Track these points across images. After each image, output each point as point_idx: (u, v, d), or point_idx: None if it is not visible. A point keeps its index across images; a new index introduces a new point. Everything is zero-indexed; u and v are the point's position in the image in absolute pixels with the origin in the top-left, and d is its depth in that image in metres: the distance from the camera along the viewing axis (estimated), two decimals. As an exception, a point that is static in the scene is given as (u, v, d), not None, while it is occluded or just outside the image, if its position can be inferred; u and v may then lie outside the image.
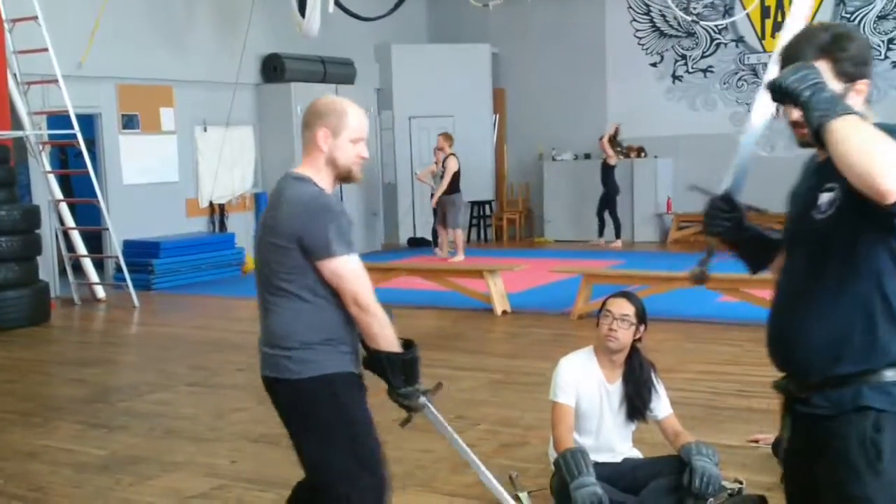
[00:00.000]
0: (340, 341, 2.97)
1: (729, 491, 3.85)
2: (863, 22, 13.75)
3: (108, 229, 11.00)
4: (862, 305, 2.12)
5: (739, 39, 14.69)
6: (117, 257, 11.00)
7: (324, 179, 2.97)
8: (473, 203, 15.99)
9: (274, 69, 13.87)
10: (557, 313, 8.78)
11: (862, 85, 2.20)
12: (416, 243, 15.24)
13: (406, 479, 4.48)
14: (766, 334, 2.36)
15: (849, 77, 2.17)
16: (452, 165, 13.01)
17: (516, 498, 4.07)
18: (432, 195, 14.03)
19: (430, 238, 14.56)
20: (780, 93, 2.05)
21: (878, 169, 1.87)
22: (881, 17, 13.67)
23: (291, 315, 2.93)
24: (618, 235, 14.48)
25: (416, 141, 15.76)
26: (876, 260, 2.11)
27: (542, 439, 4.44)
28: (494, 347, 7.74)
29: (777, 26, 14.34)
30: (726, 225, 2.63)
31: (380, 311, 2.94)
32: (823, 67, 2.12)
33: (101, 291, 10.93)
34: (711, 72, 14.93)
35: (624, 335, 3.92)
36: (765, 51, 14.51)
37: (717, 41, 14.85)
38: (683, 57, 15.16)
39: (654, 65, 15.36)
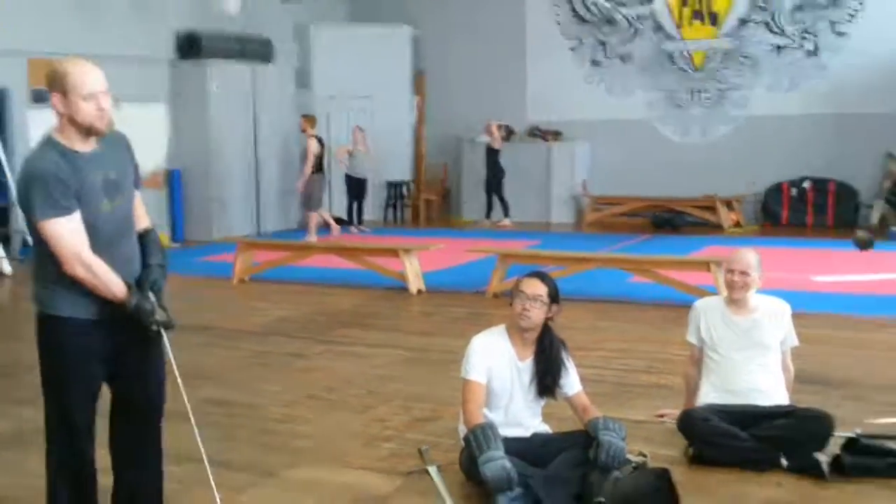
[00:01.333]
0: (70, 286, 3.06)
1: (633, 464, 3.92)
2: (778, 12, 14.09)
3: (15, 204, 10.64)
4: None
5: (657, 27, 14.90)
6: (24, 232, 10.66)
7: (70, 137, 3.09)
8: (390, 184, 15.95)
9: (191, 46, 13.54)
10: (472, 292, 8.82)
11: None
12: (334, 222, 15.12)
13: (317, 453, 4.47)
14: None
15: None
16: (313, 147, 12.91)
17: (425, 471, 4.08)
18: (349, 176, 13.98)
19: (346, 217, 14.48)
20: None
21: None
22: (797, 8, 14.01)
23: (40, 257, 3.12)
24: (506, 215, 14.75)
25: (335, 121, 15.61)
26: None
27: (454, 415, 4.46)
28: (409, 325, 7.74)
29: (695, 14, 14.60)
30: None
31: (94, 264, 3.02)
32: None
33: (6, 266, 10.62)
34: (630, 58, 15.12)
35: (536, 314, 3.95)
36: (682, 38, 14.76)
37: (636, 28, 15.04)
38: (602, 43, 15.32)
39: (573, 49, 15.49)
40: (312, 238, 12.52)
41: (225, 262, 10.30)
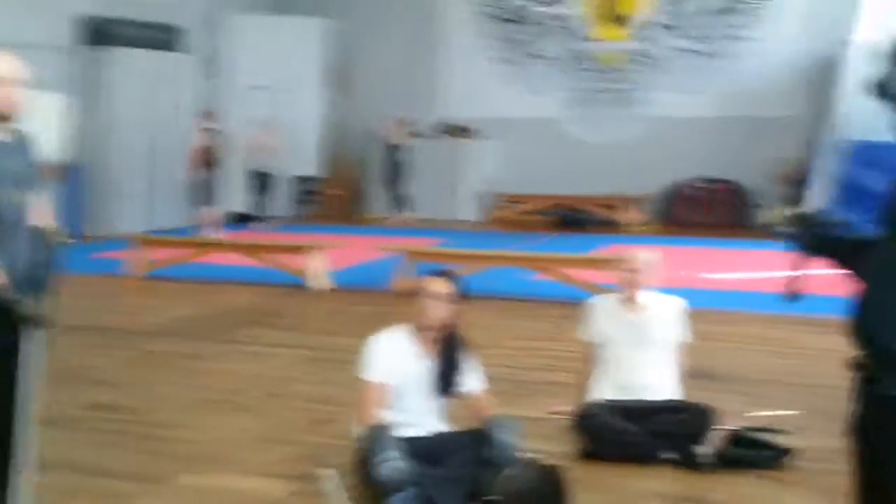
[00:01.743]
0: None
1: (527, 461, 3.97)
2: (683, 16, 14.42)
3: None
4: None
5: (568, 27, 15.08)
6: None
7: None
8: (300, 178, 15.80)
9: (93, 33, 13.14)
10: (379, 290, 8.81)
11: None
12: (239, 218, 14.91)
13: (212, 458, 4.38)
14: (854, 310, 2.36)
15: None
16: (200, 140, 12.78)
17: (323, 475, 4.05)
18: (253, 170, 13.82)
19: (252, 213, 14.29)
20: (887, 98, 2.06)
21: None
22: (699, 13, 14.36)
23: None
24: (407, 210, 14.81)
25: (245, 113, 15.32)
26: None
27: (354, 416, 4.44)
28: (313, 324, 7.68)
29: (604, 16, 14.85)
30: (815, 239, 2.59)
31: None
32: None
33: None
34: (541, 57, 15.28)
35: (440, 313, 3.96)
36: (591, 39, 14.98)
37: (547, 27, 15.20)
38: (514, 41, 15.44)
39: (485, 47, 15.57)
40: (210, 234, 12.32)
41: (121, 259, 10.05)
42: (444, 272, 4.11)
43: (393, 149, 14.84)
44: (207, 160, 12.83)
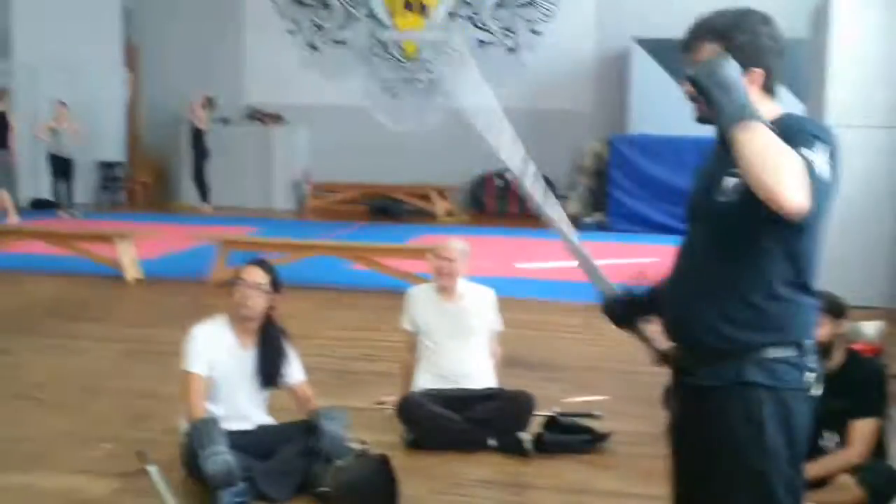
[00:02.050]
0: None
1: (355, 451, 4.07)
2: (482, 8, 14.82)
3: None
4: (751, 286, 2.18)
5: (372, 15, 15.18)
6: None
7: None
8: (102, 164, 15.13)
9: None
10: (194, 280, 8.63)
11: (755, 74, 2.21)
12: (42, 205, 14.14)
13: (27, 457, 4.24)
14: (663, 305, 2.40)
15: (741, 64, 2.13)
16: None
17: (144, 472, 4.00)
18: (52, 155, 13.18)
19: (52, 199, 13.58)
20: (696, 88, 2.09)
21: (783, 189, 1.92)
22: (499, 5, 14.81)
23: None
24: (205, 199, 14.50)
25: (37, 94, 14.52)
26: (769, 246, 2.17)
27: (175, 410, 4.39)
28: (126, 317, 7.45)
29: (407, 5, 15.03)
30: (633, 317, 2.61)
31: None
32: (714, 49, 2.18)
33: None
34: (346, 44, 15.30)
35: (257, 303, 3.98)
36: (395, 28, 15.14)
37: (352, 15, 15.25)
38: (319, 27, 15.38)
39: (291, 32, 15.43)
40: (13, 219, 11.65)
41: None
42: (259, 261, 4.13)
43: (197, 133, 14.42)
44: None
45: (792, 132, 2.07)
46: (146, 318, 7.33)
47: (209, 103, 14.48)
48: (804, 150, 2.03)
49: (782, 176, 1.93)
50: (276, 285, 4.04)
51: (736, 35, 2.21)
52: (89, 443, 4.44)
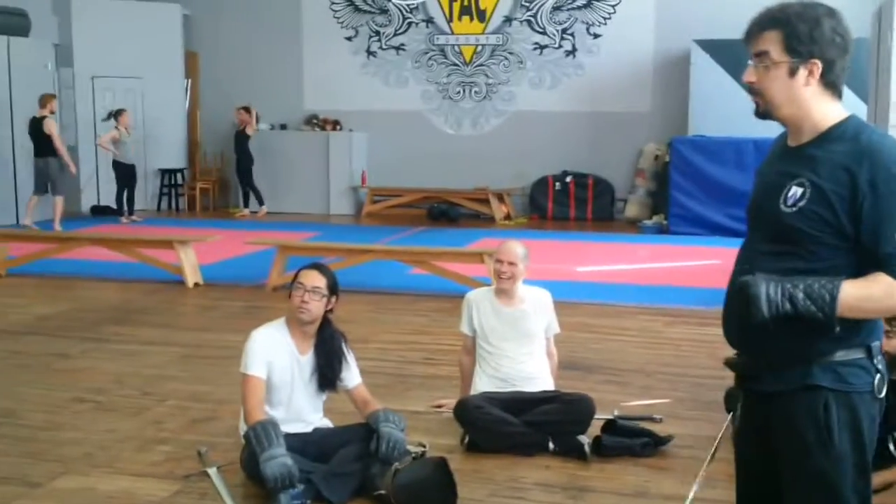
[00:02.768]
0: None
1: (413, 454, 4.02)
2: (539, 12, 14.75)
3: None
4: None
5: (429, 20, 15.21)
6: None
7: None
8: (164, 171, 15.38)
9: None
10: (251, 285, 8.69)
11: (813, 66, 2.21)
12: (101, 211, 14.41)
13: (87, 460, 4.27)
14: (723, 311, 2.38)
15: (797, 53, 2.19)
16: (54, 127, 12.41)
17: (204, 474, 4.01)
18: (118, 162, 13.42)
19: (114, 206, 13.82)
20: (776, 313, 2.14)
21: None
22: (556, 8, 14.72)
23: None
24: (247, 205, 14.65)
25: (100, 102, 14.84)
26: (832, 254, 2.17)
27: (233, 413, 4.40)
28: (185, 321, 7.52)
29: (464, 10, 15.03)
30: None
31: None
32: (775, 37, 2.21)
33: None
34: (404, 49, 15.36)
35: (315, 307, 3.96)
36: (452, 33, 15.14)
37: (409, 20, 15.29)
38: (377, 33, 15.46)
39: (349, 38, 15.54)
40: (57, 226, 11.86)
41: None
42: (317, 265, 4.11)
43: (245, 139, 14.56)
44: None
45: (884, 189, 2.12)
46: (206, 322, 7.38)
47: (248, 112, 14.58)
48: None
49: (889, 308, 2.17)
50: (333, 289, 4.02)
51: (797, 23, 2.19)
52: (149, 445, 4.46)
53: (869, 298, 2.11)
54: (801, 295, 2.10)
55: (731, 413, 2.45)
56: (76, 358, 6.13)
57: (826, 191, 2.15)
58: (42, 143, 12.34)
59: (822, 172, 2.17)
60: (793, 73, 2.21)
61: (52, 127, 12.34)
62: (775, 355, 2.24)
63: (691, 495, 2.79)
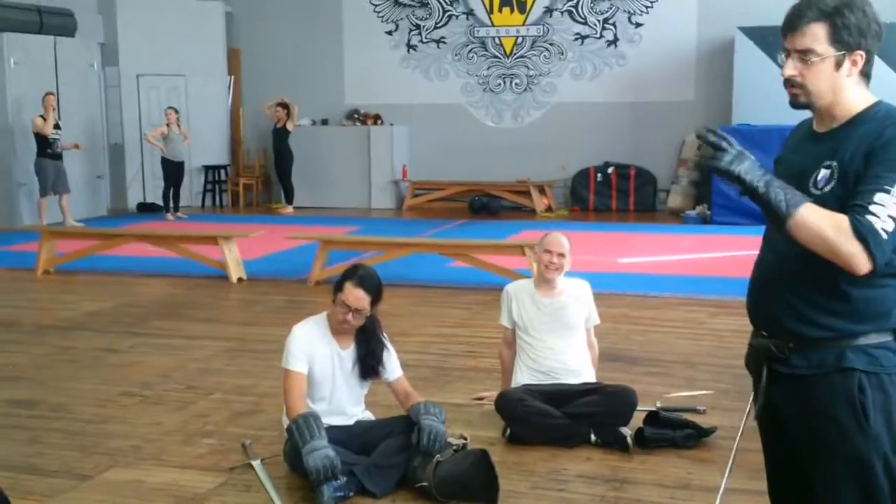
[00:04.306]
0: None
1: (454, 447, 4.03)
2: (580, 2, 14.66)
3: None
4: (845, 276, 2.13)
5: (469, 12, 15.19)
6: None
7: None
8: (207, 168, 15.55)
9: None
10: (294, 280, 8.77)
11: (857, 56, 2.19)
12: (147, 208, 14.61)
13: (135, 453, 4.34)
14: (749, 292, 2.39)
15: (845, 45, 2.18)
16: (34, 126, 12.43)
17: (248, 466, 4.06)
18: (165, 160, 13.57)
19: (161, 203, 14.01)
20: (736, 182, 2.13)
21: (848, 264, 2.07)
22: (597, -1, 14.64)
23: None
24: (289, 201, 14.70)
25: (145, 100, 15.05)
26: None
27: (277, 406, 4.44)
28: (229, 315, 7.61)
29: (504, 2, 14.98)
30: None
31: None
32: (820, 30, 2.17)
33: None
34: (444, 43, 15.35)
35: (358, 322, 3.97)
36: (493, 25, 15.11)
37: (449, 13, 15.28)
38: (417, 27, 15.47)
39: (389, 33, 15.57)
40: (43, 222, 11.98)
41: (28, 252, 9.76)
42: (361, 279, 3.95)
43: (284, 134, 14.64)
44: (45, 147, 12.45)
45: (889, 147, 2.10)
46: (249, 316, 7.46)
47: (284, 107, 14.65)
48: (878, 200, 2.06)
49: (841, 254, 2.07)
50: (376, 301, 3.99)
51: (846, 14, 2.17)
52: (194, 438, 4.53)
53: (819, 226, 2.07)
54: (776, 184, 2.11)
55: (754, 393, 2.44)
56: (124, 353, 6.24)
57: (848, 172, 2.15)
58: (38, 144, 12.42)
59: (847, 155, 2.17)
60: (838, 65, 2.19)
61: (36, 126, 12.36)
62: (806, 337, 2.24)
63: (723, 486, 2.78)
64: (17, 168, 12.80)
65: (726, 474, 2.84)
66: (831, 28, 2.16)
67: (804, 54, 2.20)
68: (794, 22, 2.21)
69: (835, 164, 2.18)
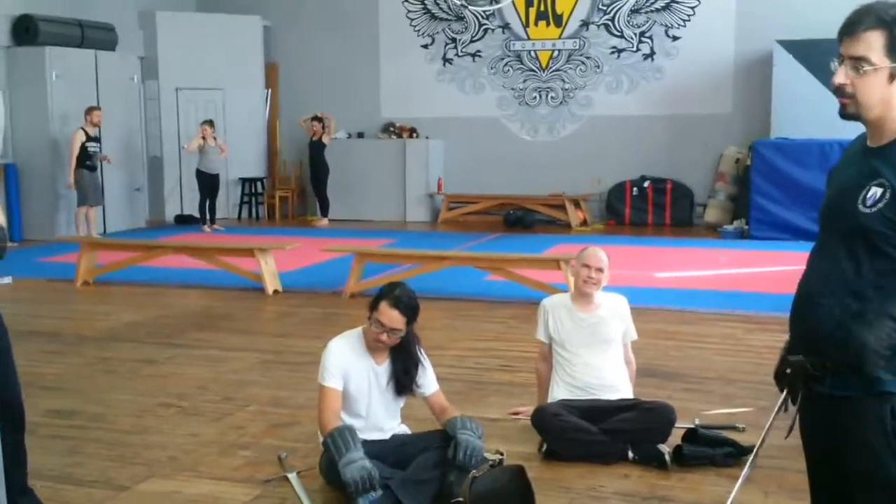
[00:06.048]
0: None
1: (491, 462, 3.99)
2: (617, 15, 14.63)
3: None
4: (888, 298, 2.11)
5: (505, 26, 15.21)
6: None
7: None
8: (244, 180, 15.67)
9: (26, 31, 12.89)
10: (329, 292, 8.79)
11: None
12: (184, 220, 14.75)
13: (172, 464, 4.36)
14: (792, 307, 2.35)
15: None
16: (76, 138, 12.56)
17: (284, 478, 4.06)
18: (200, 171, 13.70)
19: (198, 215, 14.13)
20: None
21: None
22: (634, 11, 14.58)
23: None
24: (324, 214, 14.78)
25: (184, 113, 15.22)
26: None
27: (312, 419, 4.44)
28: (265, 327, 7.65)
29: (540, 15, 14.99)
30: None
31: None
32: (877, 39, 2.11)
33: None
34: (480, 56, 15.38)
35: (393, 342, 3.96)
36: (528, 38, 15.11)
37: (485, 27, 15.32)
38: (453, 40, 15.51)
39: (425, 46, 15.63)
40: (80, 233, 12.09)
41: (67, 263, 9.89)
42: (397, 300, 3.88)
43: (320, 147, 14.74)
44: (85, 159, 12.59)
45: None
46: (285, 328, 7.49)
47: (319, 120, 14.74)
48: None
49: None
50: (412, 321, 3.96)
51: None
52: (231, 450, 4.54)
53: None
54: None
55: (782, 403, 2.39)
56: (162, 363, 6.28)
57: None
58: (78, 156, 12.55)
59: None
60: (892, 77, 2.13)
61: (73, 139, 12.53)
62: (845, 358, 2.18)
63: (734, 493, 2.74)
64: (61, 181, 12.96)
65: (737, 486, 2.80)
66: (889, 38, 2.10)
67: (857, 62, 2.13)
68: (851, 27, 2.15)
69: (888, 183, 2.12)
